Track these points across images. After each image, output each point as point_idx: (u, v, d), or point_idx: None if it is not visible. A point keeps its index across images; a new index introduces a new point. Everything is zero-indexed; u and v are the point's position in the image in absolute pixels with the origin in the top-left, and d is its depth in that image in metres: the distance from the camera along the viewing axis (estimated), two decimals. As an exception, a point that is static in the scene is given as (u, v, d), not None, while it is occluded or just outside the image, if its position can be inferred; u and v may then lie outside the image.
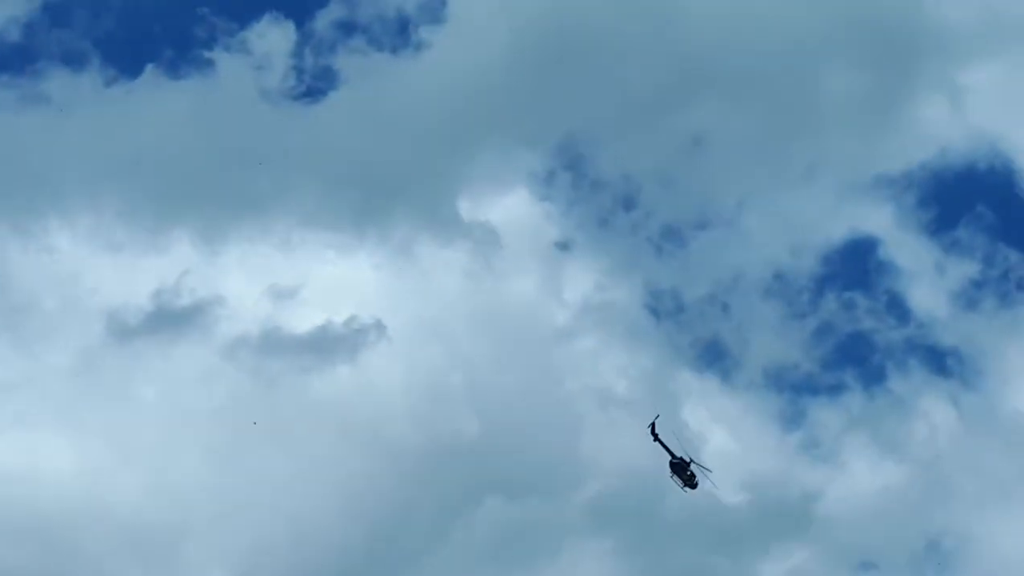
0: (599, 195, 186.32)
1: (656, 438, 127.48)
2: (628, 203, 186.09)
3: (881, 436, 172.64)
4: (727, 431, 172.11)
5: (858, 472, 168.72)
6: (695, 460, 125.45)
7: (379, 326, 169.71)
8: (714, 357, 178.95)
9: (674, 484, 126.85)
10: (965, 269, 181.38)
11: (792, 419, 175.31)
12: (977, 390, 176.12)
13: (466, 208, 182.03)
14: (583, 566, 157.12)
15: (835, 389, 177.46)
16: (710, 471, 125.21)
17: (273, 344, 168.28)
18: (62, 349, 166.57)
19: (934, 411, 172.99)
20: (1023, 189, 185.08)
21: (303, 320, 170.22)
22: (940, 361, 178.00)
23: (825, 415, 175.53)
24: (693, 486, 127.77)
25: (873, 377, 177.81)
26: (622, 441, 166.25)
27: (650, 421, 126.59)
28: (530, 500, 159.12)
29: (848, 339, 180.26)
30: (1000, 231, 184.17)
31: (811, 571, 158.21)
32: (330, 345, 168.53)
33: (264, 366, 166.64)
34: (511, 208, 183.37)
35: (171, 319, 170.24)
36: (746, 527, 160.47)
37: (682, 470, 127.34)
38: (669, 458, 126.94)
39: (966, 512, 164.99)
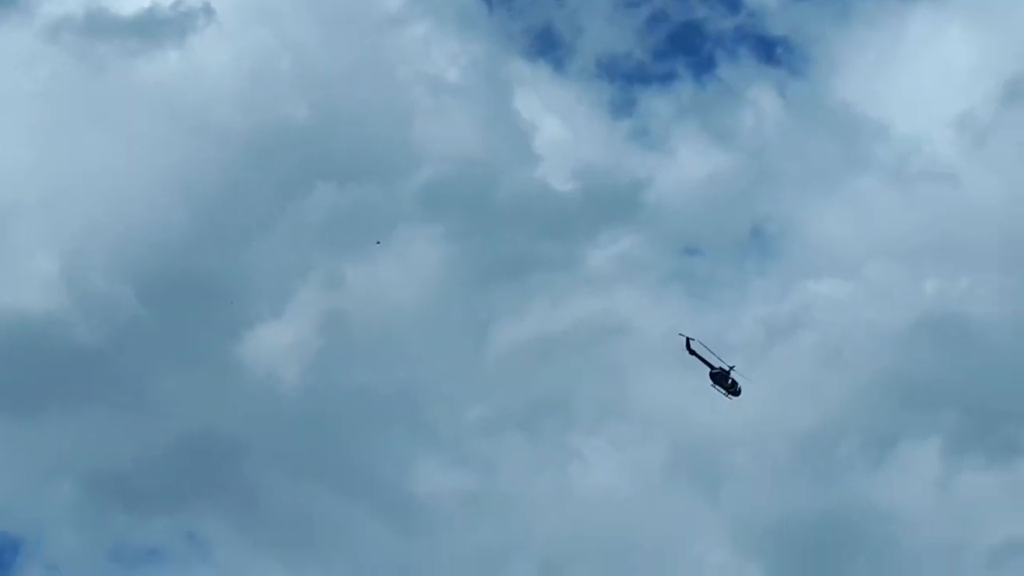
0: None
1: (692, 352, 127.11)
2: None
3: (710, 124, 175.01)
4: (559, 119, 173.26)
5: (686, 160, 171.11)
6: (733, 368, 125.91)
7: (207, 9, 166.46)
8: (546, 45, 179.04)
9: (717, 393, 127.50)
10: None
11: (623, 107, 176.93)
12: (804, 78, 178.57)
13: None
14: (414, 251, 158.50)
15: (666, 78, 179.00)
16: (750, 380, 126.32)
17: (98, 26, 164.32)
18: None
19: (762, 99, 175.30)
20: None
21: (128, 2, 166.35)
22: (769, 50, 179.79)
23: (655, 103, 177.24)
24: (736, 393, 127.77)
25: (703, 66, 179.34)
26: (453, 128, 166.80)
27: (684, 339, 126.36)
28: (361, 186, 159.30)
29: (680, 28, 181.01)
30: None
31: (638, 257, 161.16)
32: (157, 28, 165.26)
33: (89, 49, 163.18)
34: None
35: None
36: (576, 213, 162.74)
37: (723, 379, 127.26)
38: (708, 370, 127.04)
39: (790, 198, 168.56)
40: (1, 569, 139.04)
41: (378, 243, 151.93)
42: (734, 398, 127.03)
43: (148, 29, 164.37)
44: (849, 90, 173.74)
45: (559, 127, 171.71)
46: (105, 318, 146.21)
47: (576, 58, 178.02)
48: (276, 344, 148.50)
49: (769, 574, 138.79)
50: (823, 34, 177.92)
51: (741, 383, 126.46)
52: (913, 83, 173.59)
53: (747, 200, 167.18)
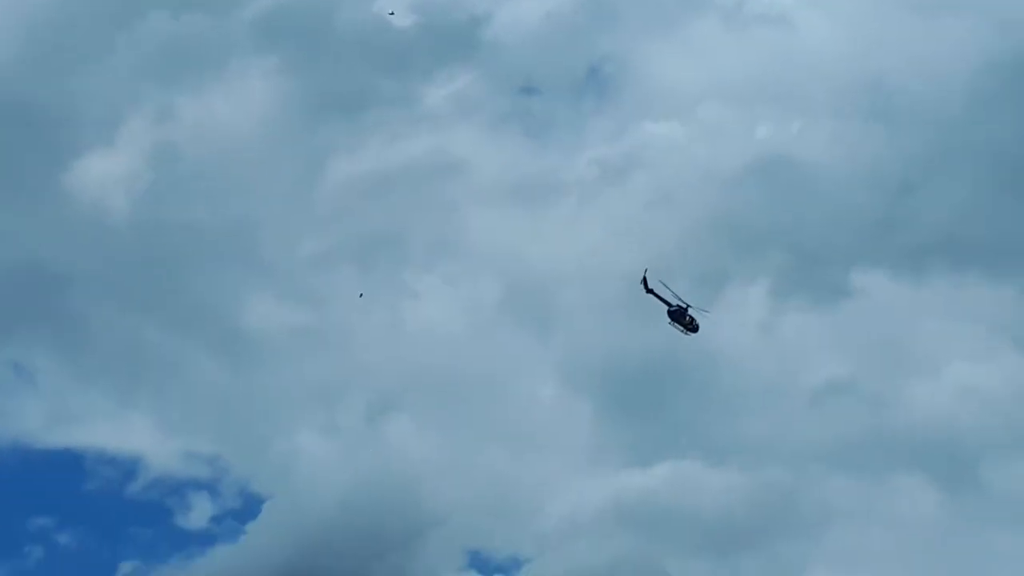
0: None
1: (649, 291, 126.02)
2: None
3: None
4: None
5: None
6: (691, 305, 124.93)
7: None
8: None
9: (675, 330, 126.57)
10: None
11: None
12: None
13: None
14: (248, 83, 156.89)
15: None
16: (707, 312, 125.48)
17: None
18: None
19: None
20: None
21: None
22: None
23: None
24: (694, 329, 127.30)
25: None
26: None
27: (640, 277, 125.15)
28: (195, 15, 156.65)
29: None
30: None
31: (474, 95, 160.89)
32: None
33: None
34: None
35: None
36: (413, 50, 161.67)
37: (681, 317, 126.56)
38: (666, 308, 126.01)
39: (628, 39, 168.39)
40: None
41: None
42: (692, 334, 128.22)
43: None
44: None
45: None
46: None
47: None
48: (105, 175, 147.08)
49: (597, 410, 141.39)
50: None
51: (699, 319, 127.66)
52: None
53: (585, 40, 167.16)
